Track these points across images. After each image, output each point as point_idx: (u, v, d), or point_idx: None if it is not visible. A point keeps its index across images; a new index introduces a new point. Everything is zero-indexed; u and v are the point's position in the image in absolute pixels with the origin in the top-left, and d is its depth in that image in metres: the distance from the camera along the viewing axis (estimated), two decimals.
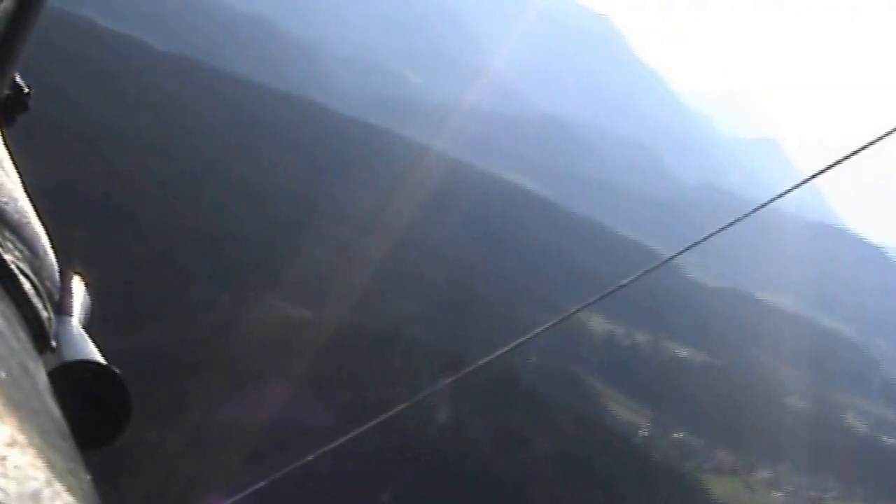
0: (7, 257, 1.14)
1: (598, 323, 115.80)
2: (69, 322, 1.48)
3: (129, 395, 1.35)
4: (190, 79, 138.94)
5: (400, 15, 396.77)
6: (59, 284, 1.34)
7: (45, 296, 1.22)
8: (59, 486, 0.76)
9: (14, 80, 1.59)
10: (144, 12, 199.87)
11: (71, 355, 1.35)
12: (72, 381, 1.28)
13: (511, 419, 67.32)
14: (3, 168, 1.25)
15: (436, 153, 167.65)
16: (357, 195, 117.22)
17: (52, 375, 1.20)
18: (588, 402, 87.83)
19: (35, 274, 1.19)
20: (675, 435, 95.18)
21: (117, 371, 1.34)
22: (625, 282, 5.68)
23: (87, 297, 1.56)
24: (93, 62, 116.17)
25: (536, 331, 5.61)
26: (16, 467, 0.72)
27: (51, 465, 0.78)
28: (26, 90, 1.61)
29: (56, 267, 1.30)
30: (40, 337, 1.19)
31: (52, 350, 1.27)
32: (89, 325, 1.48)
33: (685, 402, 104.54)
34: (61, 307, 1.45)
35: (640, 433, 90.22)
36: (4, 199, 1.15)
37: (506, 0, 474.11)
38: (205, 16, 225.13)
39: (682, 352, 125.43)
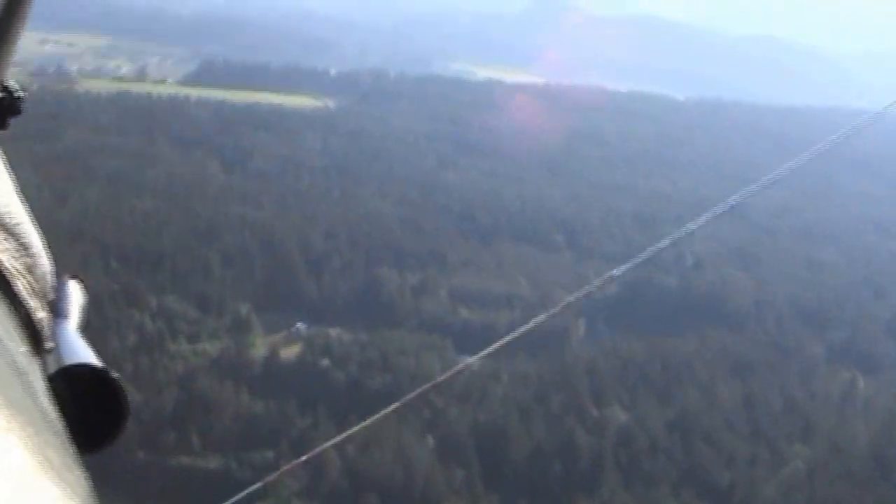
0: (1, 256, 1.17)
1: None
2: (66, 325, 1.46)
3: (125, 399, 1.34)
4: (716, 118, 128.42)
5: None
6: (53, 286, 1.37)
7: (39, 296, 1.25)
8: (52, 485, 0.77)
9: (4, 84, 1.58)
10: (652, 68, 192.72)
11: (68, 358, 1.31)
12: (69, 384, 1.26)
13: None
14: None
15: None
16: None
17: (51, 378, 1.22)
18: None
19: (28, 273, 1.23)
20: None
21: (115, 374, 1.34)
22: (616, 271, 6.03)
23: (83, 300, 1.60)
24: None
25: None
26: (9, 465, 0.73)
27: (45, 463, 0.79)
28: (17, 94, 1.60)
29: (50, 269, 1.33)
30: (35, 337, 1.22)
31: (48, 351, 1.29)
32: (85, 328, 1.53)
33: None
34: (58, 310, 1.43)
35: None
36: None
37: None
38: (708, 57, 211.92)
39: None
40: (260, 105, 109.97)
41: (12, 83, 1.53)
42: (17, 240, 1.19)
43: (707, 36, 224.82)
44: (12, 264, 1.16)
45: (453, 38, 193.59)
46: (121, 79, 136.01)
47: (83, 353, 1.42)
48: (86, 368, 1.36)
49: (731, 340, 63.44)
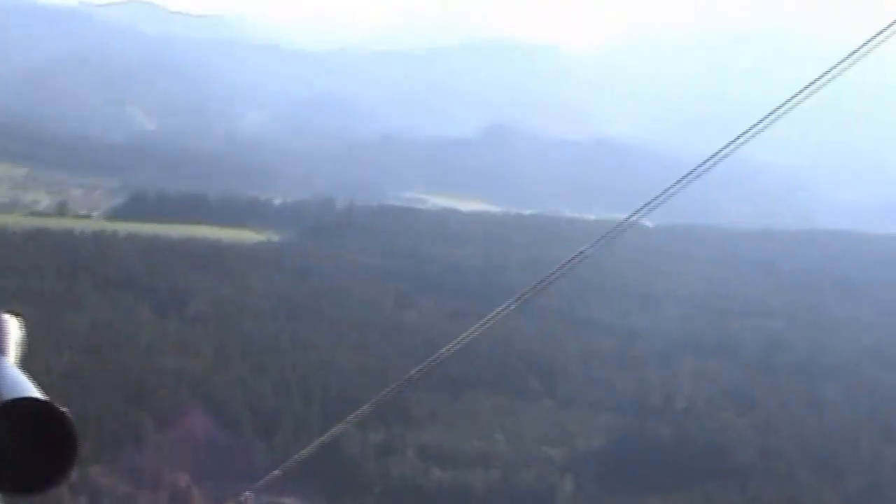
0: None
1: None
2: (3, 361, 1.44)
3: (74, 434, 1.31)
4: (688, 244, 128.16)
5: None
6: None
7: None
8: None
9: None
10: (616, 193, 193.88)
11: (6, 394, 1.30)
12: (11, 420, 1.25)
13: None
14: None
15: None
16: None
17: None
18: None
19: None
20: None
21: (62, 409, 1.33)
22: (585, 248, 7.50)
23: (21, 335, 1.60)
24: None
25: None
26: None
27: None
28: None
29: None
30: None
31: None
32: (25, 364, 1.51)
33: None
34: None
35: None
36: None
37: None
38: (673, 180, 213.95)
39: None
40: (196, 240, 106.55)
41: None
42: None
43: (670, 158, 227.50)
44: None
45: (404, 164, 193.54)
46: (39, 213, 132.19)
47: (23, 387, 1.37)
48: (28, 403, 1.36)
49: (739, 498, 59.96)
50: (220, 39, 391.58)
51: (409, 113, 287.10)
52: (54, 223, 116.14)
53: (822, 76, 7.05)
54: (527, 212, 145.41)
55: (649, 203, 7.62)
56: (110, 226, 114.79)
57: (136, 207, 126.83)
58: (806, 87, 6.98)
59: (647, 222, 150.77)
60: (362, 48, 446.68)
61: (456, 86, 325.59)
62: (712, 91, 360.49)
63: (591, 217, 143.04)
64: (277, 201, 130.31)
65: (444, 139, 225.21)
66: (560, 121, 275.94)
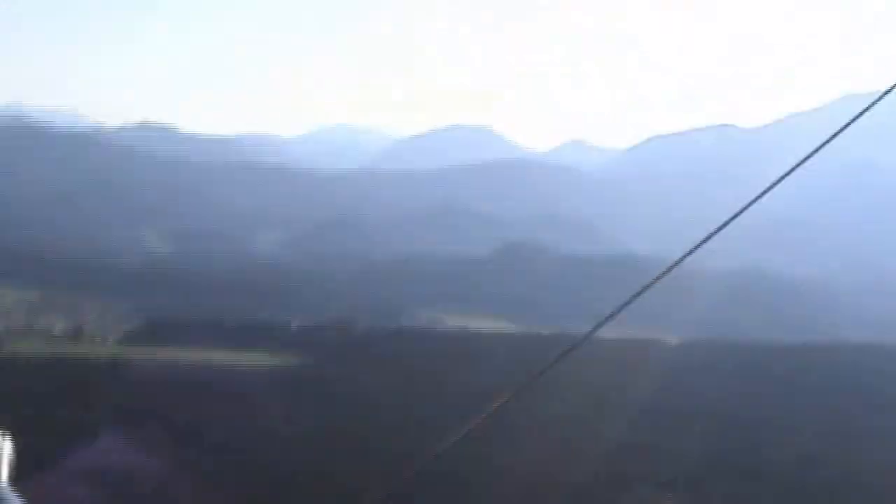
0: None
1: None
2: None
3: None
4: (713, 360, 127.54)
5: None
6: None
7: None
8: None
9: None
10: (636, 310, 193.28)
11: None
12: None
13: None
14: None
15: None
16: None
17: None
18: None
19: None
20: None
21: None
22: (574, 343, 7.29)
23: (11, 453, 1.57)
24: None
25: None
26: None
27: None
28: None
29: None
30: None
31: None
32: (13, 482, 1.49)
33: None
34: None
35: None
36: None
37: None
38: (694, 294, 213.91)
39: None
40: (212, 365, 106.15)
41: None
42: None
43: (687, 272, 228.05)
44: None
45: (420, 283, 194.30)
46: (53, 338, 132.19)
47: None
48: None
49: None
50: (231, 161, 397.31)
51: (423, 232, 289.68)
52: (69, 348, 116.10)
53: (788, 171, 7.06)
54: (545, 331, 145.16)
55: (614, 312, 7.23)
56: (125, 351, 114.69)
57: (151, 332, 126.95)
58: (778, 180, 7.03)
59: (671, 339, 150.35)
60: (375, 166, 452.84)
61: (470, 204, 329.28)
62: (728, 197, 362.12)
63: (610, 335, 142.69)
64: (294, 324, 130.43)
65: (460, 258, 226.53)
66: (575, 237, 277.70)
